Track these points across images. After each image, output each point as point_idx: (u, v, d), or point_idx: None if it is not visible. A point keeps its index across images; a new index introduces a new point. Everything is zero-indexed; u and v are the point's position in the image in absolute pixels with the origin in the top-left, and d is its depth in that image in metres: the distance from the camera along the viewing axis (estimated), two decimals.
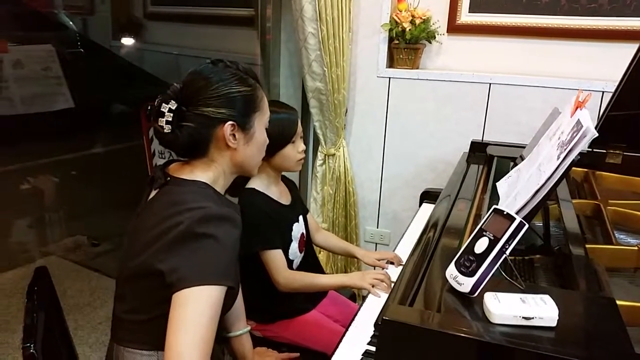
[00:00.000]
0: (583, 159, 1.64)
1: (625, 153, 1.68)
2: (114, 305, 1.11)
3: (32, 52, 2.68)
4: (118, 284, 1.11)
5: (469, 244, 0.92)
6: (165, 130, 1.03)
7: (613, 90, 1.50)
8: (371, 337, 1.20)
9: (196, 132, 1.04)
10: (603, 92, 2.04)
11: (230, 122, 1.04)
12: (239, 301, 1.32)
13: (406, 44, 2.29)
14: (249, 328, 1.36)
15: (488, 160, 1.87)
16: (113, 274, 1.05)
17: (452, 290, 0.90)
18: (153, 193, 1.09)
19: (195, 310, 0.92)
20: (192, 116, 1.03)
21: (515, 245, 0.88)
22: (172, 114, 1.03)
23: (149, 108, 1.06)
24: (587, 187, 1.66)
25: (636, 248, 1.17)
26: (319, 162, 2.54)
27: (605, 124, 1.55)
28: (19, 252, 3.02)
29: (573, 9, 2.10)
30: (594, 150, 1.70)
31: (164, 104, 1.03)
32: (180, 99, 1.04)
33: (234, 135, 1.06)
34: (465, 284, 0.87)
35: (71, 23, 3.15)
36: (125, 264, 1.06)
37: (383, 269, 1.59)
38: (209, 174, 1.08)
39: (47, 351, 1.03)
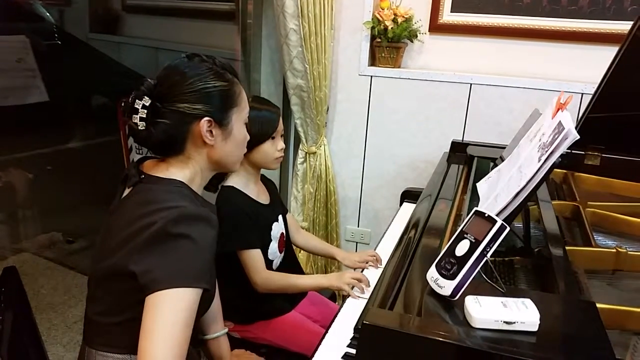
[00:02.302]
0: (562, 160, 1.64)
1: (603, 155, 1.69)
2: (86, 307, 1.08)
3: (3, 43, 2.59)
4: (90, 285, 1.07)
5: (449, 246, 0.91)
6: (139, 127, 1.00)
7: (592, 92, 1.51)
8: (351, 340, 1.18)
9: (171, 129, 1.01)
10: (582, 93, 2.06)
11: (206, 118, 1.01)
12: (216, 303, 1.30)
13: (388, 43, 2.28)
14: (226, 330, 1.34)
15: (468, 161, 1.87)
16: (88, 272, 1.03)
17: (433, 293, 0.89)
18: (127, 191, 1.06)
19: (169, 314, 0.89)
20: (166, 112, 1.00)
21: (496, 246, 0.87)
22: (146, 111, 0.99)
23: (122, 104, 1.03)
24: (566, 189, 1.67)
25: (614, 250, 1.18)
26: (299, 160, 2.52)
27: (585, 125, 1.56)
28: None
29: (554, 11, 2.12)
30: (573, 151, 1.72)
31: (137, 100, 0.99)
32: (154, 95, 1.00)
33: (210, 131, 1.03)
34: (446, 287, 0.86)
35: (48, 14, 3.07)
36: (98, 265, 1.02)
37: (362, 270, 1.58)
38: (185, 171, 1.05)
39: (14, 354, 0.99)
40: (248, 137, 1.15)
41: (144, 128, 1.00)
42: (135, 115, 0.99)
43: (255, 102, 1.43)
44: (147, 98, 0.99)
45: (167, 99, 1.00)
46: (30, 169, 2.99)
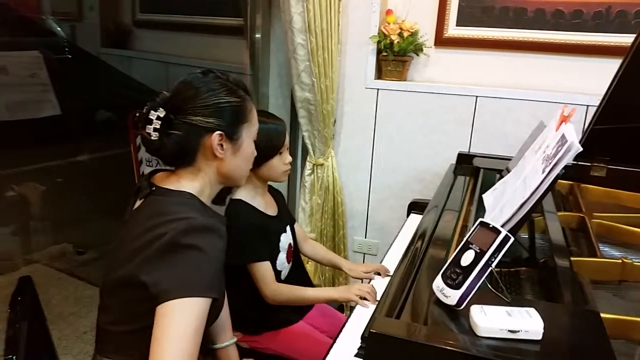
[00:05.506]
0: (568, 172, 1.66)
1: (609, 166, 1.70)
2: (97, 316, 1.10)
3: (18, 58, 2.65)
4: (102, 295, 1.09)
5: (455, 256, 0.92)
6: (152, 138, 1.03)
7: (597, 104, 1.52)
8: (358, 349, 1.19)
9: (183, 141, 1.04)
10: (587, 106, 2.07)
11: (218, 132, 1.04)
12: (225, 312, 1.31)
13: (394, 56, 2.31)
14: (235, 339, 1.35)
15: (474, 172, 1.88)
16: (98, 283, 1.05)
17: (439, 302, 0.91)
18: (138, 203, 1.08)
19: (179, 323, 0.91)
20: (180, 124, 1.03)
21: (501, 257, 0.89)
22: (160, 122, 1.02)
23: (136, 115, 1.06)
24: (572, 200, 1.68)
25: (620, 261, 1.19)
26: (307, 172, 2.54)
27: (590, 137, 1.58)
28: (3, 259, 2.97)
29: (558, 24, 2.14)
30: (579, 163, 1.73)
31: (152, 111, 1.03)
32: (168, 107, 1.03)
33: (221, 145, 1.06)
34: (451, 296, 0.88)
35: (59, 29, 3.13)
36: (109, 275, 1.05)
37: (370, 281, 1.59)
38: (195, 184, 1.07)
39: None
40: (255, 153, 1.18)
41: (157, 138, 1.03)
42: (149, 126, 1.02)
43: (261, 116, 1.45)
44: (162, 109, 1.03)
45: (181, 111, 1.03)
46: (41, 181, 3.03)
